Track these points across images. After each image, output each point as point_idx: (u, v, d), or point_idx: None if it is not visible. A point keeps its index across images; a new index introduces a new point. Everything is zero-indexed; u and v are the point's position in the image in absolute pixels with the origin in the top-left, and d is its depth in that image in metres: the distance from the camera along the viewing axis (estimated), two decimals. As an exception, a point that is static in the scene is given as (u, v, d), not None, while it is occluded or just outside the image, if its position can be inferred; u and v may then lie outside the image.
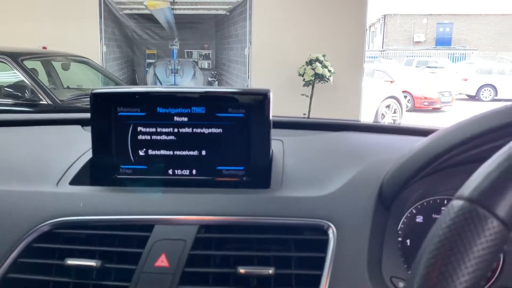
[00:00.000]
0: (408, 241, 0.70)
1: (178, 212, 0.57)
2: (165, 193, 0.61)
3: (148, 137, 0.67)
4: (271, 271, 0.52)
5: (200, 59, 4.97)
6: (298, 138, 0.78)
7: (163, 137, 0.67)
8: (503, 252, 0.59)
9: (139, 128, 0.67)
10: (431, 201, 0.70)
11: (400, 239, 0.70)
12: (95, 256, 0.55)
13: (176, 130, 0.67)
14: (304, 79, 4.52)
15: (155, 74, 4.93)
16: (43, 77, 3.67)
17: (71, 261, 0.53)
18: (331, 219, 0.56)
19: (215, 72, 4.95)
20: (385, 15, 21.47)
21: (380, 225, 0.57)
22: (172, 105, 0.66)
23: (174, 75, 4.90)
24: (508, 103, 0.49)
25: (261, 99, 0.66)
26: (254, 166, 0.67)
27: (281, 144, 0.75)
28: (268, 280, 0.54)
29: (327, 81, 4.48)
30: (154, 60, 4.99)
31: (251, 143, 0.67)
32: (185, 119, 0.66)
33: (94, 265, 0.53)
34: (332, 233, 0.55)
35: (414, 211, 0.70)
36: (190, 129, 0.66)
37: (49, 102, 3.19)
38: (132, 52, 5.03)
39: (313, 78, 4.47)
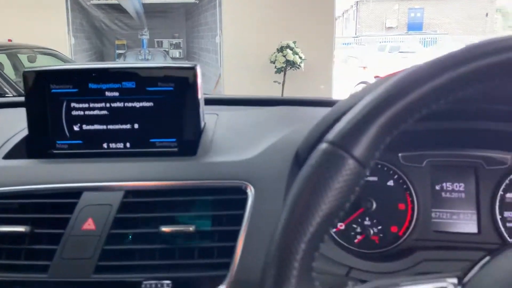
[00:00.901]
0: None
1: (105, 179, 0.60)
2: (94, 163, 0.65)
3: (82, 113, 0.70)
4: (191, 228, 0.56)
5: (171, 48, 4.94)
6: (233, 112, 0.82)
7: (96, 112, 0.69)
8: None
9: (73, 104, 0.69)
10: None
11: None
12: (27, 223, 0.58)
13: (108, 105, 0.69)
14: (275, 66, 4.55)
15: (126, 65, 4.89)
16: (8, 70, 3.60)
17: (2, 228, 0.56)
18: (250, 180, 0.60)
19: (187, 61, 4.93)
20: (357, 2, 21.60)
21: None
22: (103, 80, 0.69)
23: (145, 65, 4.87)
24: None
25: (189, 73, 0.69)
26: (186, 137, 0.70)
27: (215, 117, 0.79)
28: (192, 237, 0.58)
29: (298, 68, 4.52)
30: (124, 51, 4.94)
31: (182, 115, 0.70)
32: (117, 94, 0.69)
33: (24, 231, 0.56)
34: (250, 192, 0.59)
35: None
36: (122, 103, 0.69)
37: (15, 94, 3.14)
38: (102, 43, 4.97)
39: (285, 65, 4.51)
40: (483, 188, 0.71)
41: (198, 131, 0.71)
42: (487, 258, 0.37)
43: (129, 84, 0.69)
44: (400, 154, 0.73)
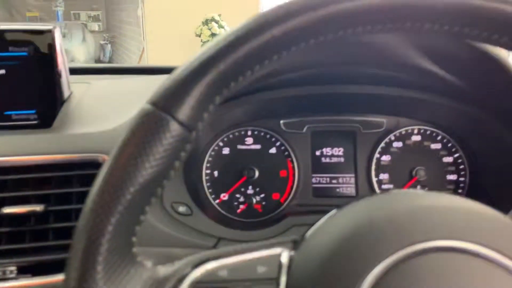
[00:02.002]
0: (216, 172, 0.72)
1: None
2: None
3: None
4: (39, 208, 0.51)
5: (90, 21, 4.65)
6: (107, 82, 0.76)
7: None
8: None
9: None
10: (236, 133, 0.73)
11: (208, 171, 0.72)
12: None
13: None
14: (201, 40, 4.44)
15: (39, 39, 4.52)
16: None
17: None
18: (108, 152, 0.55)
19: (108, 34, 4.67)
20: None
21: None
22: None
23: (61, 39, 4.54)
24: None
25: (45, 38, 0.62)
26: (44, 108, 0.64)
27: (86, 87, 0.72)
28: (44, 217, 0.53)
29: (224, 41, 4.44)
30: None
31: (39, 84, 0.63)
32: (-41, 60, 0.61)
33: None
34: None
35: (220, 143, 0.73)
36: None
37: None
38: (11, 15, 4.55)
39: (210, 38, 4.41)
40: (361, 152, 0.72)
41: (57, 101, 0.64)
42: (328, 215, 0.35)
43: (-26, 50, 0.61)
44: (281, 121, 0.72)
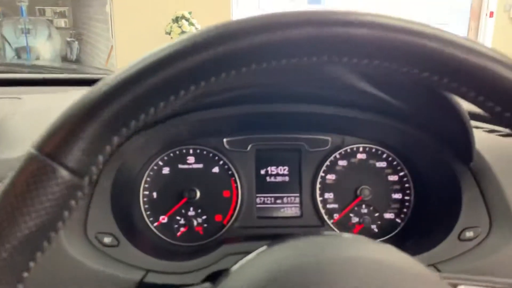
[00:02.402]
0: (154, 193, 0.69)
1: None
2: None
3: None
4: None
5: (55, 17, 4.51)
6: (39, 96, 0.71)
7: None
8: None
9: None
10: (177, 152, 0.70)
11: (146, 192, 0.69)
12: None
13: None
14: (171, 37, 4.37)
15: (2, 35, 4.36)
16: None
17: None
18: None
19: (74, 31, 4.54)
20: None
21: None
22: None
23: (26, 36, 4.39)
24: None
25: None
26: None
27: (16, 103, 0.68)
28: None
29: (195, 39, 4.38)
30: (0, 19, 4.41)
31: None
32: None
33: None
34: None
35: (160, 162, 0.70)
36: None
37: None
38: (-29, 10, 4.37)
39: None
40: (306, 171, 0.70)
41: None
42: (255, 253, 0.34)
43: None
44: (225, 139, 0.70)
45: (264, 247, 0.34)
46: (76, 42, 4.50)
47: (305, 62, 0.30)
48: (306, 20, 0.28)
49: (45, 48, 4.37)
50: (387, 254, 0.32)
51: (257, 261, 0.33)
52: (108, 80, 0.31)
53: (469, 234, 0.56)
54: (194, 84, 0.31)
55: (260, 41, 0.28)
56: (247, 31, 0.28)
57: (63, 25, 4.50)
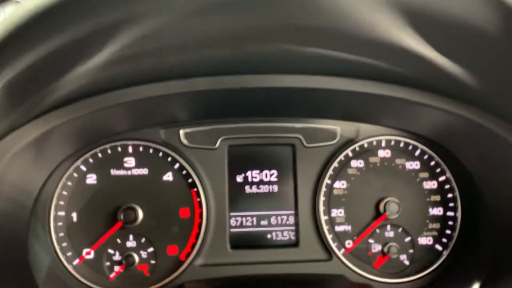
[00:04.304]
0: (74, 215, 0.46)
1: None
2: None
3: None
4: None
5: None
6: None
7: None
8: None
9: None
10: (109, 150, 0.47)
11: (61, 213, 0.46)
12: None
13: None
14: None
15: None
16: None
17: None
18: None
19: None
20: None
21: None
22: None
23: None
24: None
25: None
26: None
27: None
28: None
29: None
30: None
31: None
32: None
33: None
34: None
35: (82, 167, 0.46)
36: None
37: None
38: None
39: None
40: (303, 176, 0.51)
41: None
42: None
43: None
44: (181, 131, 0.47)
45: None
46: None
47: None
48: None
49: None
50: None
51: None
52: None
53: None
54: None
55: None
56: None
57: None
